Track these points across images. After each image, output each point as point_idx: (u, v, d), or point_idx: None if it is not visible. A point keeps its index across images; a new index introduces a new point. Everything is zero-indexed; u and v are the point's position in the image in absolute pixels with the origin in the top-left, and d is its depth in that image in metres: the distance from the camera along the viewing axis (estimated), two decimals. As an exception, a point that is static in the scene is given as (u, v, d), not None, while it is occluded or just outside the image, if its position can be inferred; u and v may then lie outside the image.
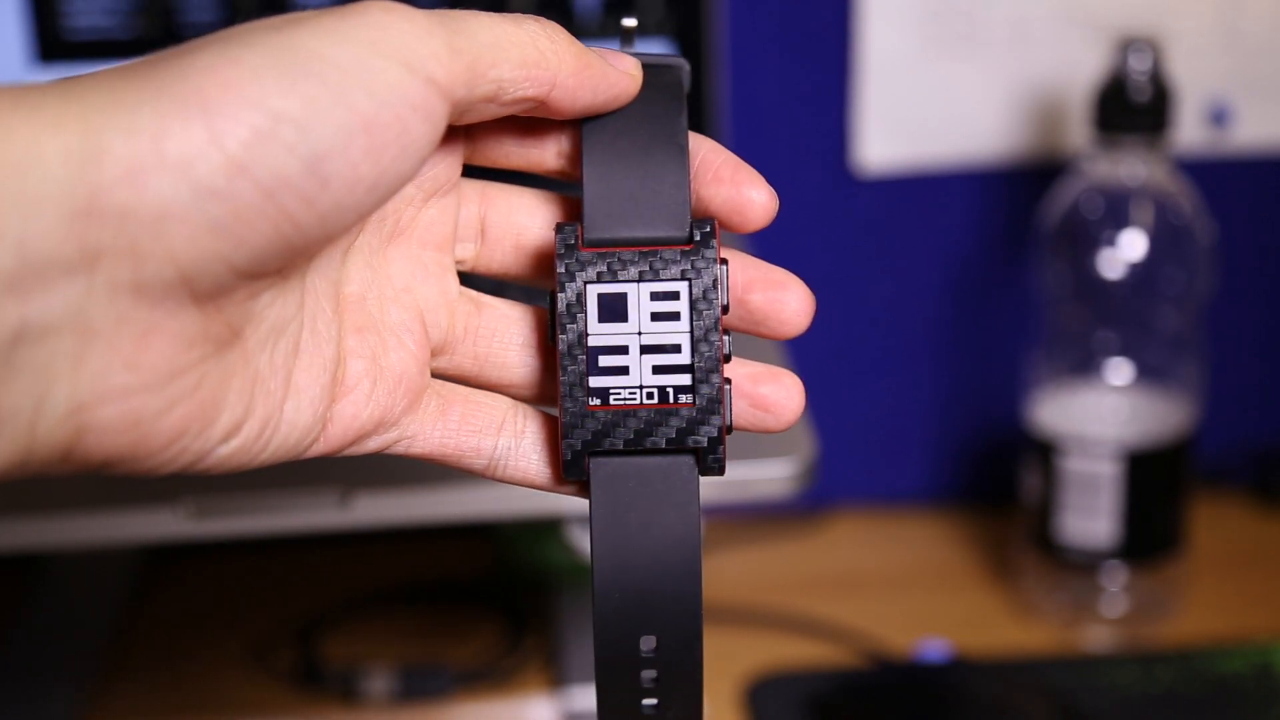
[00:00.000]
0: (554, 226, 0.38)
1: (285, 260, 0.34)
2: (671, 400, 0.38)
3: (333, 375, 0.37)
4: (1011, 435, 0.89)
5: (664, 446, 0.38)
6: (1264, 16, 0.89)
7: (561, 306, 0.38)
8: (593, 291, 0.38)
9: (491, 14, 0.36)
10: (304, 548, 0.89)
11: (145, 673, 0.81)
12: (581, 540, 0.70)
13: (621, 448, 0.38)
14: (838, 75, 0.89)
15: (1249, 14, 0.89)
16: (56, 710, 0.77)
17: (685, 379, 0.38)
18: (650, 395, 0.38)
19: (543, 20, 0.37)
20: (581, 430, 0.38)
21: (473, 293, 0.40)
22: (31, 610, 0.85)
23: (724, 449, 0.38)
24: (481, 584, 0.88)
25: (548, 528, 0.81)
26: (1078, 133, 0.88)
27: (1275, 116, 0.91)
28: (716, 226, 0.38)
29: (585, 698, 0.76)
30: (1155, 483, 0.82)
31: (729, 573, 0.90)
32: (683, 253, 0.38)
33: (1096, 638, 0.83)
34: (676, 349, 0.38)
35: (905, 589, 0.89)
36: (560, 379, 0.38)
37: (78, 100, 0.31)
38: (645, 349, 0.38)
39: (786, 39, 0.88)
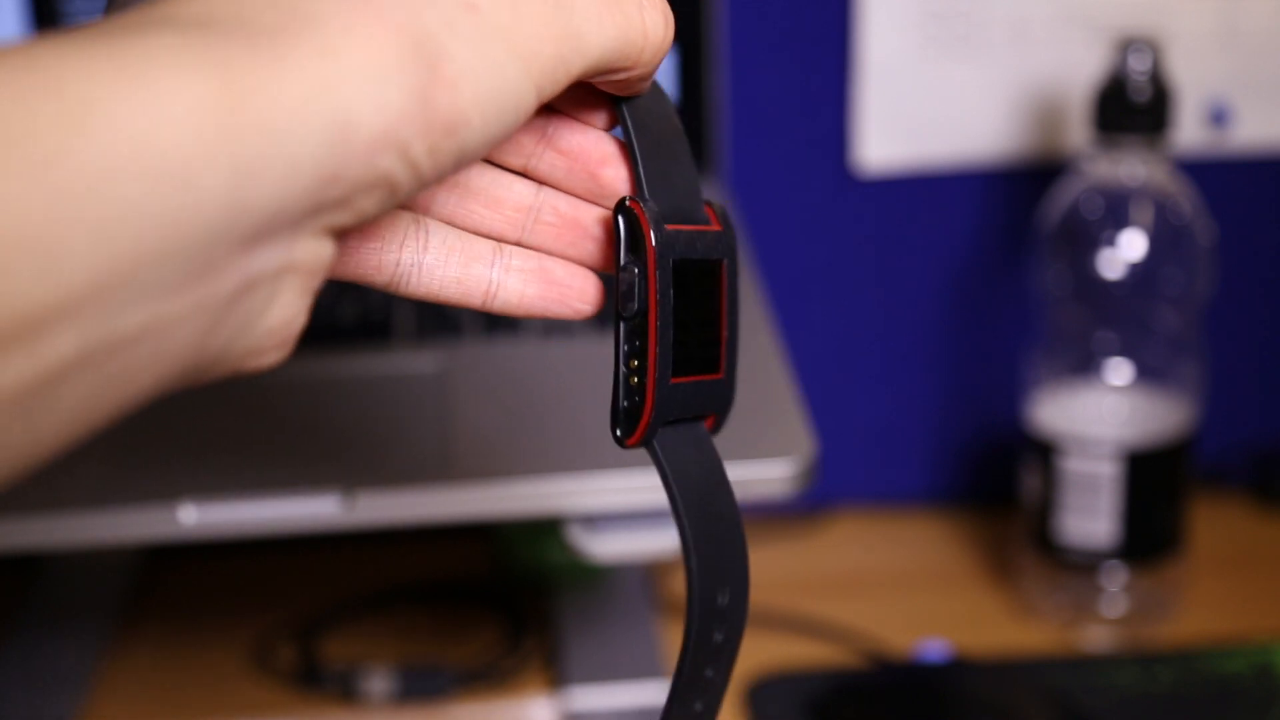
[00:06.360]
0: (626, 200, 0.40)
1: None
2: (709, 371, 0.41)
3: None
4: (1011, 435, 0.89)
5: (706, 414, 0.41)
6: (1264, 16, 0.89)
7: (658, 281, 0.39)
8: (669, 264, 0.40)
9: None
10: (304, 548, 0.89)
11: (145, 673, 0.81)
12: (582, 539, 0.70)
13: (687, 417, 0.41)
14: (838, 75, 0.89)
15: (1249, 14, 0.89)
16: (56, 710, 0.77)
17: (715, 350, 0.41)
18: (703, 366, 0.41)
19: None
20: (666, 402, 0.40)
21: None
22: (31, 610, 0.85)
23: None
24: (481, 584, 0.88)
25: (548, 528, 0.81)
26: (1078, 133, 0.88)
27: (1275, 116, 0.91)
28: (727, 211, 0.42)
29: (585, 697, 0.76)
30: (1155, 483, 0.82)
31: (729, 573, 0.90)
32: (716, 235, 0.41)
33: (1096, 638, 0.83)
34: (714, 322, 0.41)
35: (905, 589, 0.89)
36: (654, 350, 0.39)
37: (331, 59, 0.32)
38: (693, 322, 0.40)
39: (786, 39, 0.88)
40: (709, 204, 0.42)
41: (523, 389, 0.74)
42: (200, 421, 0.71)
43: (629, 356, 0.39)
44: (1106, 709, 0.76)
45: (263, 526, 0.66)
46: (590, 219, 0.42)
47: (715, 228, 0.41)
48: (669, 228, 0.39)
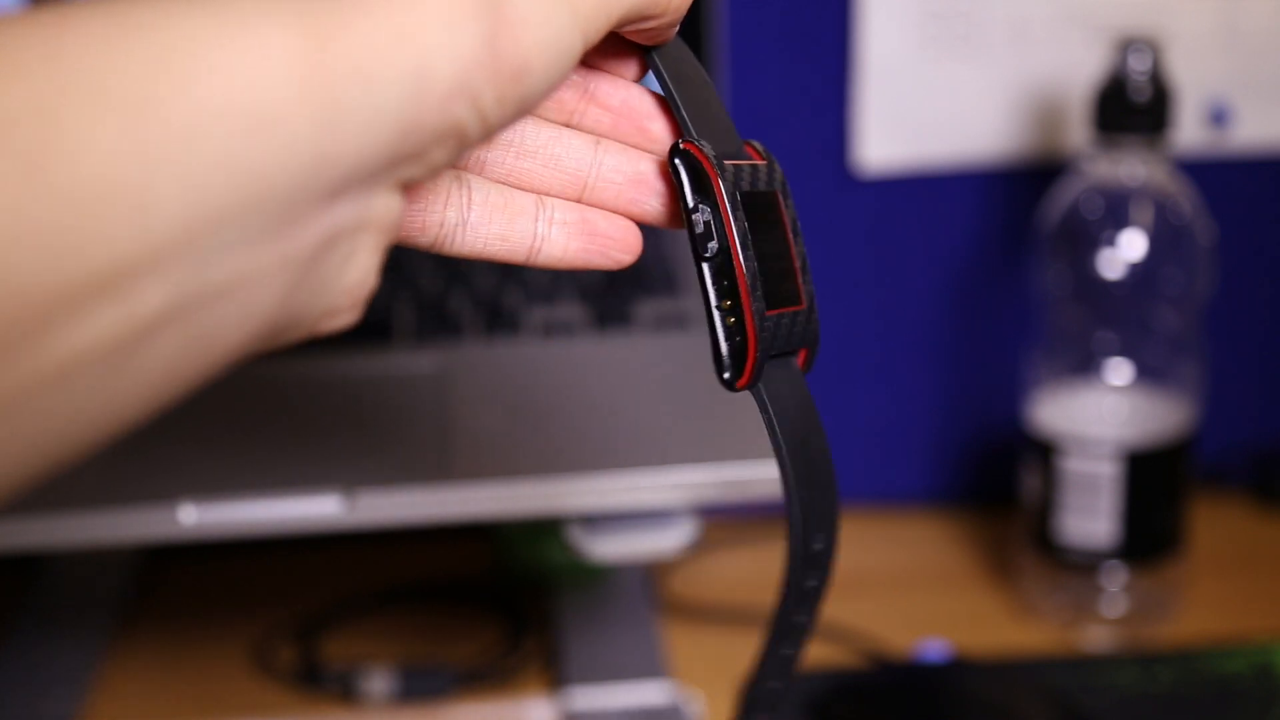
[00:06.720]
0: (680, 143, 0.40)
1: None
2: (793, 303, 0.40)
3: None
4: (1011, 435, 0.89)
5: (798, 347, 0.41)
6: (1264, 16, 0.89)
7: (732, 212, 0.39)
8: (739, 197, 0.40)
9: None
10: (304, 548, 0.89)
11: (145, 673, 0.81)
12: (582, 539, 0.70)
13: (783, 352, 0.40)
14: (838, 75, 0.89)
15: (1249, 14, 0.89)
16: (56, 710, 0.77)
17: (793, 281, 0.41)
18: (785, 299, 0.40)
19: None
20: (767, 334, 0.39)
21: None
22: (31, 610, 0.85)
23: None
24: (481, 584, 0.88)
25: (547, 528, 0.81)
26: (1078, 133, 0.88)
27: (1275, 116, 0.91)
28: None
29: (585, 697, 0.76)
30: (1155, 483, 0.82)
31: (728, 573, 0.90)
32: (767, 168, 0.41)
33: (1096, 638, 0.83)
34: (784, 254, 0.40)
35: (905, 589, 0.89)
36: (744, 280, 0.39)
37: (407, 8, 0.32)
38: (768, 254, 0.40)
39: (786, 39, 0.88)
40: (748, 142, 0.42)
41: (523, 389, 0.74)
42: (200, 421, 0.71)
43: (721, 297, 0.39)
44: (1106, 709, 0.76)
45: (263, 526, 0.66)
46: (653, 173, 0.42)
47: (761, 161, 0.41)
48: (733, 163, 0.40)
